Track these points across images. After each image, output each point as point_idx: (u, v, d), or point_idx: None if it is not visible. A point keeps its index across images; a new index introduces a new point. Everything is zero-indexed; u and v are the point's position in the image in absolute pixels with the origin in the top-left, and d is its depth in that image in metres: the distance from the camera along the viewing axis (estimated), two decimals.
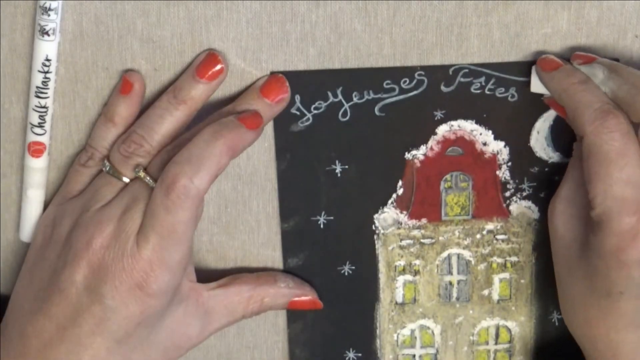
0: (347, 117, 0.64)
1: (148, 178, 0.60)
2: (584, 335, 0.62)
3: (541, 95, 0.63)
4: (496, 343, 0.69)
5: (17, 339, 0.60)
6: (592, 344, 0.61)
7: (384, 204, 0.66)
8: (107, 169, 0.62)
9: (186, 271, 0.61)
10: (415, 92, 0.64)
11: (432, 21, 0.62)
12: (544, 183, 0.66)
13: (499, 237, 0.67)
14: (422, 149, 0.65)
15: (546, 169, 0.66)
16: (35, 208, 0.64)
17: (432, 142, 0.65)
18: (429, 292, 0.68)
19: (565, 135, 0.64)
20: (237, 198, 0.66)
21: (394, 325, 0.68)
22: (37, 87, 0.61)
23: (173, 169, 0.58)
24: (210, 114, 0.62)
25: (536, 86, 0.63)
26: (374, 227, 0.66)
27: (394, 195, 0.66)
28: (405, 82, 0.64)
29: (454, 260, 0.67)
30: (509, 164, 0.66)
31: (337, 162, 0.65)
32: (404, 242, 0.67)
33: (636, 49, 0.63)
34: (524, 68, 0.63)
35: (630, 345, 0.60)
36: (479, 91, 0.64)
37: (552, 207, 0.63)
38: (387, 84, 0.64)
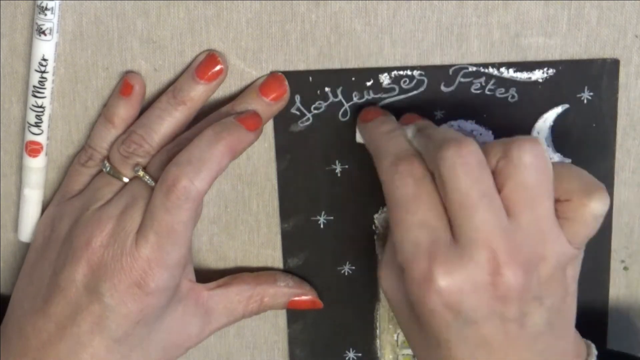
0: (347, 117, 0.64)
1: (147, 177, 0.60)
2: None
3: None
4: None
5: (16, 338, 0.60)
6: None
7: (384, 204, 0.66)
8: (107, 169, 0.62)
9: (185, 271, 0.61)
10: (415, 92, 0.64)
11: (432, 21, 0.62)
12: None
13: None
14: None
15: None
16: (33, 208, 0.64)
17: None
18: None
19: (565, 137, 0.64)
20: (237, 198, 0.66)
21: (394, 325, 0.68)
22: (34, 86, 0.61)
23: (174, 170, 0.58)
24: (209, 114, 0.63)
25: (359, 137, 0.63)
26: (374, 227, 0.66)
27: None
28: (405, 82, 0.64)
29: None
30: None
31: (337, 162, 0.65)
32: None
33: (636, 49, 0.63)
34: (525, 68, 0.63)
35: None
36: (479, 91, 0.64)
37: (379, 274, 0.59)
38: (387, 84, 0.64)
